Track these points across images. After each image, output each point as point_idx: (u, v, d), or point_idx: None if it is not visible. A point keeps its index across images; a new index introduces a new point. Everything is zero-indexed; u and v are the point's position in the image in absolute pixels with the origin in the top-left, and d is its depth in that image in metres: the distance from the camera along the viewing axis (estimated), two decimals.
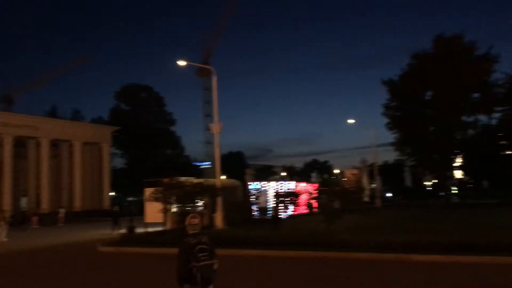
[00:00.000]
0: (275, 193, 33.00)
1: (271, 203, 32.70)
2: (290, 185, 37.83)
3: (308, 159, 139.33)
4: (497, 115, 50.48)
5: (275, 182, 39.30)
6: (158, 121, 78.74)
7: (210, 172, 61.39)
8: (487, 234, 16.51)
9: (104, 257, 18.73)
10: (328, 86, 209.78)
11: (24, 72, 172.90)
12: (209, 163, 74.24)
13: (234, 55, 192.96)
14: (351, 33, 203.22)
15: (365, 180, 56.93)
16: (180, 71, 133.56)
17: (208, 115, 70.60)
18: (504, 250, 13.84)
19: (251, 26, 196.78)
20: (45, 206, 49.38)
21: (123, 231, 26.04)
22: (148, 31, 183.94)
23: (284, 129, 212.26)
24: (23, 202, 47.73)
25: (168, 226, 26.09)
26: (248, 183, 37.09)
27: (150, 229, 25.16)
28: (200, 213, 24.85)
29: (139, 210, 33.80)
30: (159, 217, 25.31)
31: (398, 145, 51.46)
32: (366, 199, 43.40)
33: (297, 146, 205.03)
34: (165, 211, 24.12)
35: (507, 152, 57.55)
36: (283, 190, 34.16)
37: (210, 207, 27.20)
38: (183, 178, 25.30)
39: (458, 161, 56.69)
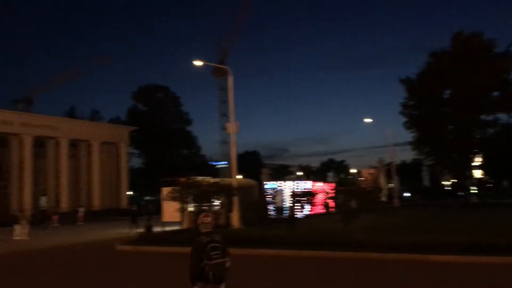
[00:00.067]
0: (291, 193, 32.90)
1: (288, 202, 32.61)
2: (307, 185, 37.68)
3: (324, 158, 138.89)
4: None
5: (291, 181, 39.08)
6: (174, 121, 79.33)
7: (226, 172, 61.46)
8: (507, 234, 16.20)
9: (122, 255, 18.95)
10: (344, 86, 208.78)
11: (43, 73, 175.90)
12: (225, 162, 74.31)
13: (251, 55, 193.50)
14: (358, 32, 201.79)
15: (382, 180, 56.48)
16: (196, 71, 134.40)
17: (224, 115, 70.84)
18: None
19: (264, 25, 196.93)
20: (64, 205, 50.18)
21: (141, 230, 26.24)
22: (165, 32, 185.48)
23: (300, 129, 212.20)
24: (43, 201, 48.46)
25: (185, 225, 26.20)
26: (264, 182, 36.82)
27: (167, 228, 25.35)
28: (217, 213, 24.96)
29: (157, 209, 34.02)
30: (176, 216, 25.48)
31: (416, 144, 50.87)
32: (383, 198, 43.00)
33: (313, 146, 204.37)
34: (182, 210, 24.23)
35: None
36: (299, 190, 34.05)
37: (227, 207, 27.22)
38: (199, 178, 25.44)
39: (478, 161, 55.71)
